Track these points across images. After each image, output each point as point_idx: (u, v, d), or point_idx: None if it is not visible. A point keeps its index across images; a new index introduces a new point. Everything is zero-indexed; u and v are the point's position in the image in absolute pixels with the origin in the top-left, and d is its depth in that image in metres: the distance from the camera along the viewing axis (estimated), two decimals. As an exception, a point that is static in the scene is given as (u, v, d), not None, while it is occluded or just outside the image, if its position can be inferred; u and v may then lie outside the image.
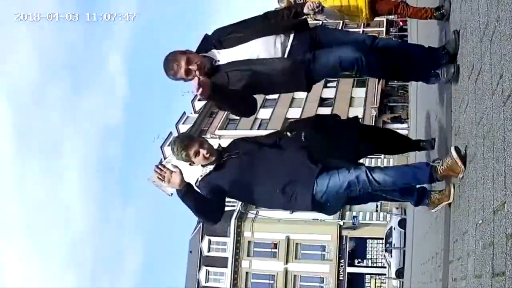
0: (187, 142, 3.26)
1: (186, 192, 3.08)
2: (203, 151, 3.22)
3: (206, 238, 31.38)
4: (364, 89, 33.33)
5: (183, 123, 33.42)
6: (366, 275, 29.82)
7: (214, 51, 3.36)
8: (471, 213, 2.35)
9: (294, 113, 30.76)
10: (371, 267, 29.45)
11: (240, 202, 30.52)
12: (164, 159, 27.76)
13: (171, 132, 31.94)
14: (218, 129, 31.72)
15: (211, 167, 3.30)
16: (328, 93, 34.16)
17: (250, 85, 3.27)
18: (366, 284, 29.75)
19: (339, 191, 3.08)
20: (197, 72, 3.18)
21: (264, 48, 3.28)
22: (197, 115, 34.00)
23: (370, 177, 3.00)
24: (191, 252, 32.86)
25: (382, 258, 26.19)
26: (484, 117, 2.17)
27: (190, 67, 3.23)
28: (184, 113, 35.16)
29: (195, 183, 3.28)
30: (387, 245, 22.77)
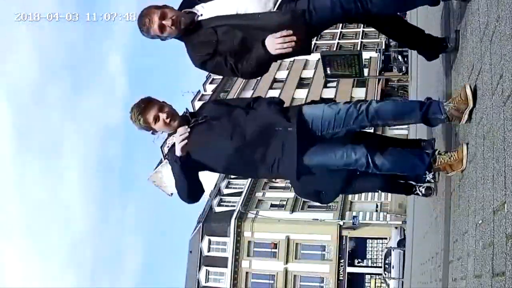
0: (145, 105, 2.90)
1: (183, 163, 2.87)
2: (162, 116, 2.90)
3: (206, 238, 31.36)
4: (364, 89, 33.33)
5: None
6: (366, 275, 29.80)
7: (198, 6, 3.04)
8: (471, 213, 2.35)
9: (294, 113, 30.74)
10: (371, 267, 29.41)
11: (240, 202, 30.58)
12: (165, 159, 27.73)
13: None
14: (218, 129, 31.71)
15: None
16: (328, 93, 34.15)
17: (245, 41, 2.90)
18: (366, 284, 29.73)
19: (331, 166, 2.86)
20: None
21: (253, 0, 2.92)
22: (197, 115, 34.02)
23: (370, 162, 2.80)
24: (191, 252, 32.84)
25: (381, 259, 26.16)
26: (484, 117, 2.17)
27: (163, 22, 2.92)
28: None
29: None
30: (386, 266, 22.55)
